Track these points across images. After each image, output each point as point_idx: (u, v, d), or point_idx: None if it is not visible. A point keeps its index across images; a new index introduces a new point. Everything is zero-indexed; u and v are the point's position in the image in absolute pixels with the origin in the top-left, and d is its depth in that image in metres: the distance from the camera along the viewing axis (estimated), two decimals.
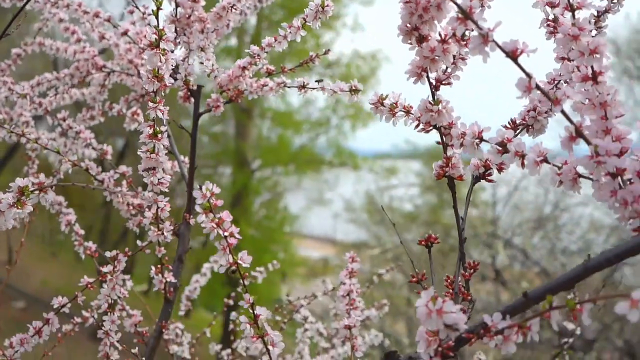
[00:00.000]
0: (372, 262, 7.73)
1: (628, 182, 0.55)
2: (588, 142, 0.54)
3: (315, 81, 1.02)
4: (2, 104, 1.25)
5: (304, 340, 1.36)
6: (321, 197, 12.53)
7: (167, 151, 1.10)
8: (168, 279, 1.00)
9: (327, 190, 12.55)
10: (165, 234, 0.94)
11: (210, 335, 1.52)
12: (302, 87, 1.01)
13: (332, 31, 11.33)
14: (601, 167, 0.53)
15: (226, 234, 0.65)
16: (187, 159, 1.16)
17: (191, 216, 1.02)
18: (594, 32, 0.75)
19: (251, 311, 0.67)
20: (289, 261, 10.77)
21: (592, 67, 0.56)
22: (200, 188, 0.63)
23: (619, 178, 0.54)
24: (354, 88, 0.88)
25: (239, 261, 0.66)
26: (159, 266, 0.99)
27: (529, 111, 0.71)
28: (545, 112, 0.70)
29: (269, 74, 1.04)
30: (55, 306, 0.94)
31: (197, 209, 0.65)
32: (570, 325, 1.13)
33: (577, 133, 0.54)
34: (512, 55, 0.53)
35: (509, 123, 0.72)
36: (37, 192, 0.71)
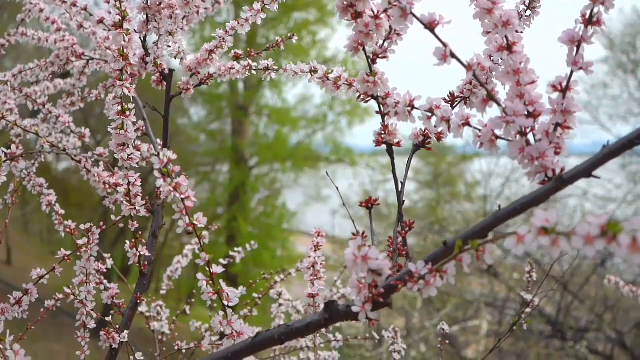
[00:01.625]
0: None
1: (539, 142, 0.61)
2: (499, 105, 0.59)
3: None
4: None
5: (279, 316, 1.42)
6: (319, 193, 12.59)
7: (142, 134, 1.16)
8: (142, 253, 1.06)
9: (324, 186, 12.62)
10: (137, 208, 0.99)
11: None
12: (267, 69, 1.06)
13: (328, 28, 11.40)
14: (511, 127, 0.59)
15: (183, 196, 0.70)
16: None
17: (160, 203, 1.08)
18: (528, 12, 0.80)
19: (208, 269, 0.73)
20: (287, 258, 10.82)
21: (506, 37, 0.61)
22: (158, 155, 0.69)
23: (530, 136, 0.60)
24: (313, 69, 0.94)
25: (195, 222, 0.71)
26: (133, 240, 1.05)
27: (466, 84, 0.76)
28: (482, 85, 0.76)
29: (237, 58, 1.09)
30: (33, 277, 1.00)
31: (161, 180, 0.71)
32: (528, 296, 1.19)
33: (489, 97, 0.60)
34: (430, 26, 0.58)
35: (448, 96, 0.77)
36: (8, 161, 0.76)
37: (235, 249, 1.51)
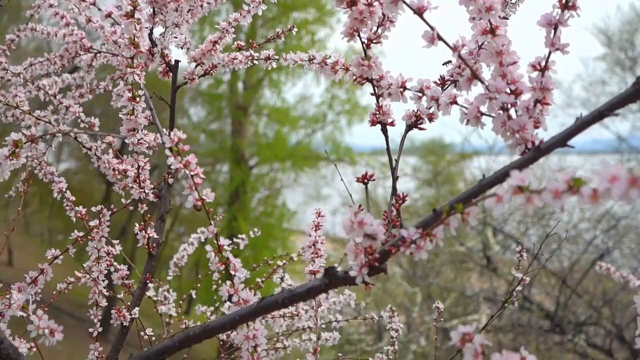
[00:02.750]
0: None
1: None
2: (482, 82, 0.65)
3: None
4: None
5: None
6: (318, 192, 12.65)
7: (149, 123, 1.21)
8: (151, 235, 1.11)
9: (324, 185, 12.67)
10: (147, 191, 1.05)
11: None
12: (268, 58, 1.12)
13: (326, 28, 11.47)
14: (493, 103, 0.64)
15: (192, 173, 0.75)
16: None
17: (171, 177, 1.13)
18: (514, 0, 0.86)
19: (215, 242, 0.78)
20: (288, 257, 10.86)
21: (489, 22, 0.67)
22: (169, 134, 0.74)
23: (512, 112, 0.65)
24: (311, 57, 0.99)
25: (204, 197, 0.77)
26: (142, 223, 1.10)
27: (455, 68, 0.82)
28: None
29: (239, 49, 1.15)
30: (48, 257, 1.05)
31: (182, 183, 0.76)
32: (518, 274, 1.24)
33: (474, 75, 0.65)
34: (419, 11, 0.64)
35: (438, 79, 0.82)
36: (28, 143, 0.81)
37: (239, 235, 1.57)
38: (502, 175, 0.62)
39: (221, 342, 1.52)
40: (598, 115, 0.58)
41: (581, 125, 0.59)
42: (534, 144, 0.63)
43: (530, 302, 6.48)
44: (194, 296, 1.62)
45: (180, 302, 1.57)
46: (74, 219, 1.23)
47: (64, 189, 1.27)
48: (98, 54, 1.35)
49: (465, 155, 10.26)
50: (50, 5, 1.33)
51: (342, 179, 1.13)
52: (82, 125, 1.26)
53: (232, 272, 0.78)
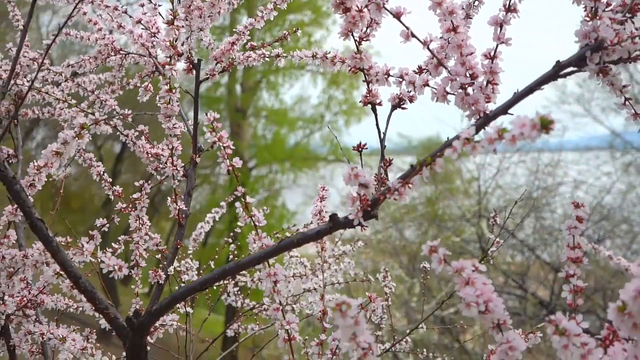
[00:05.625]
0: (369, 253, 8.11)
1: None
2: (445, 68, 0.85)
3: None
4: (41, 84, 1.56)
5: (290, 266, 1.68)
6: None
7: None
8: (181, 207, 1.32)
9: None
10: (178, 169, 1.25)
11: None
12: (277, 56, 1.33)
13: (322, 29, 11.69)
14: (454, 84, 0.85)
15: (224, 145, 0.96)
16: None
17: (197, 157, 1.33)
18: (476, 3, 1.06)
19: (243, 200, 0.99)
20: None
21: (452, 22, 0.87)
22: (206, 114, 0.95)
23: (470, 90, 0.86)
24: (314, 54, 1.20)
25: (234, 164, 0.97)
26: (173, 197, 1.31)
27: (429, 59, 1.02)
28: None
29: (253, 48, 1.36)
30: (98, 225, 1.25)
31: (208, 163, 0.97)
32: (491, 236, 1.44)
33: (439, 63, 0.86)
34: (397, 15, 0.84)
35: (417, 68, 1.03)
36: (93, 125, 1.01)
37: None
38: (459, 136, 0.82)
39: (237, 309, 1.73)
40: (529, 90, 0.79)
41: (517, 98, 0.80)
42: (485, 113, 0.84)
43: (526, 291, 6.70)
44: (212, 266, 1.83)
45: (201, 271, 1.77)
46: (116, 201, 1.43)
47: (102, 172, 1.47)
48: (127, 55, 1.56)
49: (463, 153, 10.45)
50: (85, 13, 1.54)
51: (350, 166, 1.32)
52: (117, 117, 1.47)
53: (257, 224, 0.99)
